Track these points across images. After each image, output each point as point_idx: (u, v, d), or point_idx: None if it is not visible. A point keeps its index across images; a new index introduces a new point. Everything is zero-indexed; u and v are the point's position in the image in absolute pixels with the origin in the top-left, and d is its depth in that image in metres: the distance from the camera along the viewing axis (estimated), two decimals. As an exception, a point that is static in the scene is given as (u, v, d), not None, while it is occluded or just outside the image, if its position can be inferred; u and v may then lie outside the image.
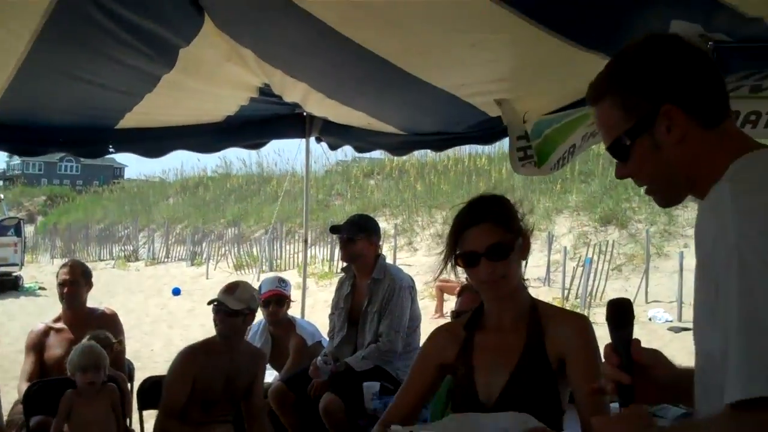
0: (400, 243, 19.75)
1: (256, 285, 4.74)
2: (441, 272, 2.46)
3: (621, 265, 15.80)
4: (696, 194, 1.56)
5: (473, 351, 2.44)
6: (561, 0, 2.70)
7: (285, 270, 19.35)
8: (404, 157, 22.23)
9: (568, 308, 13.22)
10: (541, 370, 2.34)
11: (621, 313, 1.62)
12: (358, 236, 4.71)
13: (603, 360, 1.67)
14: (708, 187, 1.46)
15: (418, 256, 18.69)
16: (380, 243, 4.95)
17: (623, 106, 1.54)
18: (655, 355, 1.65)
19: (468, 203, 2.46)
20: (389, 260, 5.35)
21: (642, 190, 1.65)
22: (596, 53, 2.95)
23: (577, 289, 14.26)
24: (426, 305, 12.45)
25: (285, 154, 47.59)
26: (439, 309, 13.55)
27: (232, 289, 4.01)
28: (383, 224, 23.12)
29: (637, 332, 1.62)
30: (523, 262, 2.49)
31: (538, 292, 13.89)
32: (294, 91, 4.18)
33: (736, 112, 3.17)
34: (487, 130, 3.90)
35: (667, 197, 1.62)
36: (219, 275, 20.10)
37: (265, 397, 4.53)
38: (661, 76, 1.53)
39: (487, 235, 2.32)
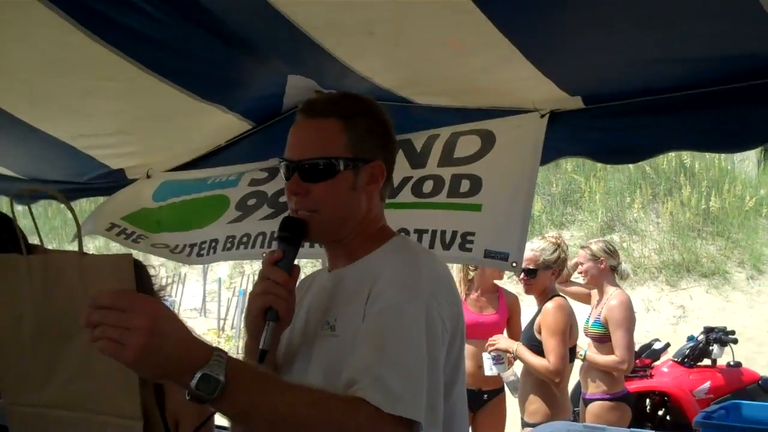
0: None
1: None
2: None
3: (275, 293, 16.11)
4: (341, 247, 1.70)
5: None
6: (175, 51, 2.57)
7: None
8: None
9: (224, 339, 13.19)
10: None
11: (299, 231, 1.64)
12: None
13: None
14: (362, 249, 1.67)
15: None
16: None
17: (352, 137, 1.64)
18: None
19: None
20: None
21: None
22: (217, 106, 2.92)
23: (233, 320, 14.25)
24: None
25: None
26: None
27: None
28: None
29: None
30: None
31: (195, 323, 13.66)
32: None
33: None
34: (112, 183, 3.67)
35: (323, 230, 1.67)
36: None
37: None
38: (389, 138, 1.73)
39: None
